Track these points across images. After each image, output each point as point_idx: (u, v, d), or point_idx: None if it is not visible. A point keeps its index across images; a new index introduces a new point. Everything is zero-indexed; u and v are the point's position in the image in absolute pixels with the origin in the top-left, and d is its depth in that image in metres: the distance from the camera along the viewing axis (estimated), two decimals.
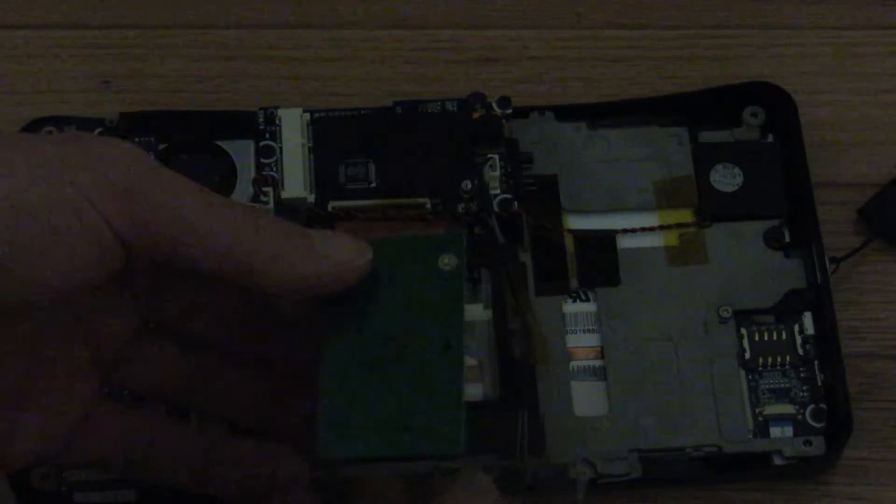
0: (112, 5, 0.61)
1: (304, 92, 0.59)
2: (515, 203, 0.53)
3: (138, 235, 0.39)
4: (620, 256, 0.54)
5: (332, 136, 0.54)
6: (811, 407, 0.52)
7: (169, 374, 0.45)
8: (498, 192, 0.53)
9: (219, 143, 0.54)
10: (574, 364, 0.52)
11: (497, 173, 0.53)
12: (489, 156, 0.54)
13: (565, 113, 0.56)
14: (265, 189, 0.53)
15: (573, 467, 0.50)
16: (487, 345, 0.46)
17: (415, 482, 0.43)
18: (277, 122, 0.54)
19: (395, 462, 0.41)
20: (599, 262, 0.54)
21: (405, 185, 0.53)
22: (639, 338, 0.52)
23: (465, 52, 0.60)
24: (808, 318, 0.53)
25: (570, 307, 0.53)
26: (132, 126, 0.55)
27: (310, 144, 0.54)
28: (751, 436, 0.51)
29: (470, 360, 0.45)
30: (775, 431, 0.51)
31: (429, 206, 0.53)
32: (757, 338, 0.53)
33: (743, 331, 0.53)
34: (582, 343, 0.53)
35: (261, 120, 0.54)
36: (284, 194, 0.53)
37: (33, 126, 0.55)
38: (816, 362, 0.52)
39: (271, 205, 0.53)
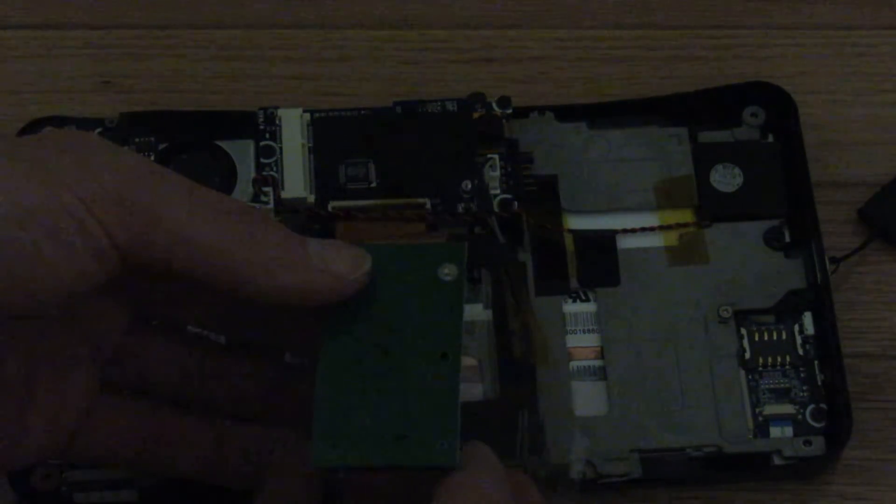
0: (112, 5, 0.61)
1: (304, 92, 0.59)
2: (515, 203, 0.53)
3: (133, 243, 0.39)
4: (620, 256, 0.54)
5: (332, 136, 0.54)
6: (811, 407, 0.52)
7: (167, 366, 0.45)
8: (498, 192, 0.53)
9: (219, 143, 0.54)
10: (574, 364, 0.52)
11: (497, 173, 0.53)
12: (489, 156, 0.54)
13: (565, 113, 0.56)
14: (265, 189, 0.53)
15: (576, 463, 0.50)
16: (487, 345, 0.46)
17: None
18: (277, 122, 0.54)
19: (390, 470, 0.41)
20: (599, 262, 0.54)
21: (405, 185, 0.53)
22: (639, 338, 0.52)
23: (465, 52, 0.60)
24: (808, 319, 0.53)
25: (570, 307, 0.53)
26: (132, 126, 0.55)
27: (310, 144, 0.54)
28: (751, 436, 0.51)
29: (470, 360, 0.45)
30: (775, 431, 0.51)
31: (429, 206, 0.53)
32: (757, 338, 0.53)
33: (743, 331, 0.53)
34: (582, 343, 0.53)
35: (261, 120, 0.54)
36: (284, 194, 0.53)
37: (33, 126, 0.55)
38: (816, 362, 0.52)
39: (271, 205, 0.53)
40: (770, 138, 0.56)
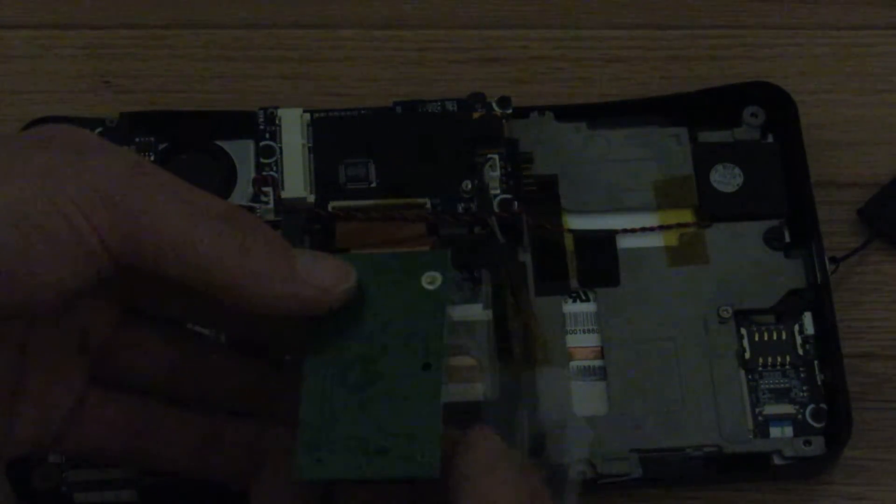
0: (112, 5, 0.61)
1: (304, 92, 0.59)
2: (515, 203, 0.53)
3: (124, 246, 0.39)
4: (620, 256, 0.54)
5: (332, 136, 0.54)
6: (811, 407, 0.52)
7: (158, 360, 0.45)
8: (498, 192, 0.53)
9: (219, 143, 0.54)
10: (574, 364, 0.52)
11: (497, 173, 0.53)
12: (489, 156, 0.54)
13: (565, 113, 0.56)
14: (265, 189, 0.53)
15: (576, 463, 0.50)
16: (487, 345, 0.46)
17: None
18: (277, 122, 0.54)
19: (371, 483, 0.41)
20: (599, 262, 0.54)
21: (405, 185, 0.53)
22: (639, 338, 0.52)
23: (465, 52, 0.60)
24: (808, 319, 0.53)
25: (570, 307, 0.53)
26: (132, 126, 0.55)
27: (310, 144, 0.54)
28: (751, 436, 0.51)
29: (470, 360, 0.45)
30: (775, 431, 0.51)
31: (429, 206, 0.53)
32: (757, 338, 0.53)
33: (743, 331, 0.53)
34: (582, 343, 0.53)
35: (261, 120, 0.54)
36: (284, 194, 0.53)
37: (33, 126, 0.55)
38: (816, 362, 0.52)
39: (271, 205, 0.53)
40: (770, 138, 0.56)
